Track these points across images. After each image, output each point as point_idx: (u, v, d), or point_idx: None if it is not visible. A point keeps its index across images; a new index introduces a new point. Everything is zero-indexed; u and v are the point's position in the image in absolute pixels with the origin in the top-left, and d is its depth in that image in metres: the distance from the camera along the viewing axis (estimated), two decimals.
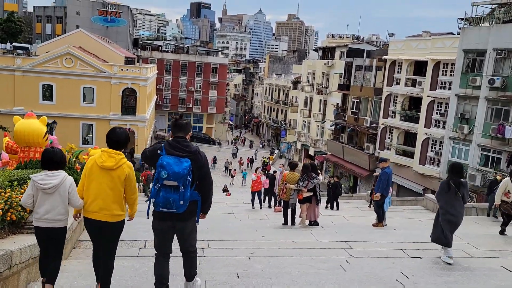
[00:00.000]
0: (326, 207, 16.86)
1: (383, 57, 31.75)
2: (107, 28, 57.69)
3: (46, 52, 34.60)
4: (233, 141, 64.47)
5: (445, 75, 26.87)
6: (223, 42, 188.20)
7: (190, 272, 4.63)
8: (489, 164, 22.86)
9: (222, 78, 64.88)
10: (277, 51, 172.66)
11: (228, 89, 76.98)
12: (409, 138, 30.10)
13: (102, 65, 34.74)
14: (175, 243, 4.57)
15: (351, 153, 34.90)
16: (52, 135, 18.98)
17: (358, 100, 35.20)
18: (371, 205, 14.54)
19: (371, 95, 33.35)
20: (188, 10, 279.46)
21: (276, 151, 57.08)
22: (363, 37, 71.79)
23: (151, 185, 22.09)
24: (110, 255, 4.47)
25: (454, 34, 29.78)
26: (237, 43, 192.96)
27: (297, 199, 10.08)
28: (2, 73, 32.45)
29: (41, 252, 4.48)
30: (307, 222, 10.38)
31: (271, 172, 19.78)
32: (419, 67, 29.29)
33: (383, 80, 31.84)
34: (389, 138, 31.33)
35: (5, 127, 25.11)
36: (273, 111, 66.53)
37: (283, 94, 62.32)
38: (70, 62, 33.51)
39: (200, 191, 4.36)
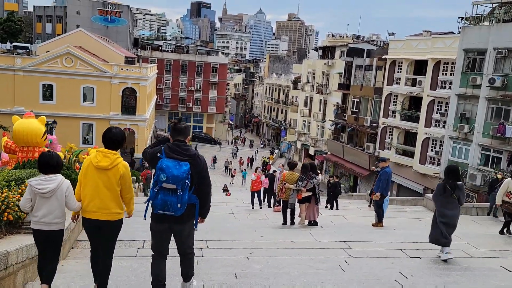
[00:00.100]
0: (326, 206, 16.82)
1: (383, 57, 31.71)
2: (107, 28, 57.67)
3: (46, 52, 34.59)
4: (233, 140, 64.44)
5: (446, 74, 26.83)
6: (223, 42, 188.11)
7: (187, 273, 4.65)
8: (490, 164, 22.82)
9: (222, 78, 64.85)
10: (277, 50, 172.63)
11: (228, 89, 76.94)
12: (409, 137, 30.06)
13: (102, 65, 34.73)
14: (172, 244, 4.58)
15: (351, 153, 34.87)
16: (52, 134, 18.98)
17: (358, 100, 35.17)
18: (371, 205, 14.50)
19: (371, 95, 33.31)
20: (188, 10, 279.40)
21: (276, 151, 57.06)
22: (363, 37, 71.70)
23: (151, 184, 22.16)
24: (109, 253, 4.51)
25: (454, 34, 29.72)
26: (237, 42, 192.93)
27: (296, 199, 10.05)
28: (2, 73, 32.44)
29: (39, 255, 4.51)
30: (306, 222, 10.35)
31: (271, 171, 19.77)
32: (419, 67, 29.24)
33: (383, 80, 31.80)
34: (389, 137, 31.29)
35: (5, 127, 25.11)
36: (273, 110, 66.51)
37: (283, 94, 62.29)
38: (70, 61, 33.50)
39: (198, 195, 4.38)
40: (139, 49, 61.89)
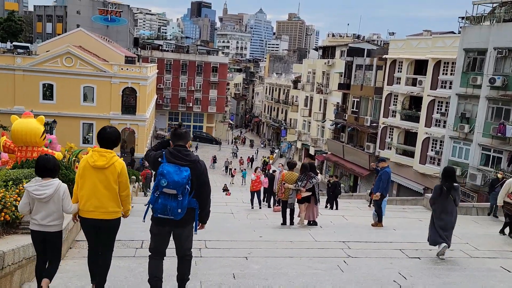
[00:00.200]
0: (326, 206, 16.81)
1: (384, 56, 31.67)
2: (108, 28, 57.65)
3: (46, 51, 34.58)
4: (233, 140, 64.43)
5: (446, 74, 26.79)
6: (223, 42, 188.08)
7: (183, 276, 4.64)
8: (490, 164, 22.78)
9: (222, 78, 64.82)
10: (277, 50, 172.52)
11: (229, 89, 76.91)
12: (410, 137, 30.02)
13: (102, 65, 34.72)
14: (170, 244, 4.60)
15: (352, 153, 34.84)
16: (52, 134, 18.99)
17: (358, 100, 35.13)
18: (371, 205, 14.48)
19: (372, 95, 33.27)
20: (188, 10, 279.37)
21: (276, 151, 57.03)
22: (364, 37, 71.65)
23: (151, 184, 22.07)
24: (108, 252, 4.56)
25: (454, 33, 29.68)
26: (237, 42, 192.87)
27: (296, 199, 10.03)
28: (2, 72, 32.44)
29: (37, 256, 4.53)
30: (305, 222, 10.33)
31: (270, 171, 19.76)
32: (420, 66, 29.20)
33: (384, 79, 31.76)
34: (389, 137, 31.26)
35: (5, 126, 25.10)
36: (274, 110, 66.48)
37: (284, 94, 62.26)
38: (70, 61, 33.49)
39: (198, 199, 4.41)
40: (139, 49, 61.90)
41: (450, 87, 25.88)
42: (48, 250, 4.45)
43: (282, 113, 62.82)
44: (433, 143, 27.65)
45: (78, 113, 33.84)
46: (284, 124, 59.16)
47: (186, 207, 4.20)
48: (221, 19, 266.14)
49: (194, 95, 63.02)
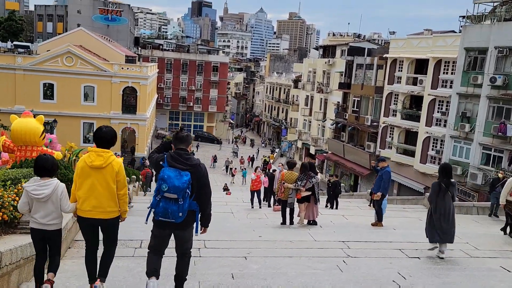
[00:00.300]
0: (326, 206, 16.79)
1: (384, 56, 31.62)
2: (108, 27, 57.59)
3: (47, 51, 34.60)
4: (234, 140, 64.42)
5: (446, 73, 26.75)
6: (224, 41, 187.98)
7: (181, 274, 4.66)
8: (491, 163, 22.74)
9: (223, 77, 64.79)
10: (278, 49, 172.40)
11: (229, 88, 76.90)
12: (410, 136, 29.99)
13: (102, 64, 34.72)
14: (170, 244, 4.67)
15: (352, 152, 34.81)
16: (52, 133, 18.99)
17: (359, 99, 35.08)
18: (371, 204, 14.45)
19: (372, 94, 33.23)
20: (189, 9, 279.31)
21: (277, 150, 57.01)
22: (364, 36, 71.52)
23: (151, 183, 22.04)
24: (112, 246, 4.66)
25: (455, 32, 29.62)
26: (238, 41, 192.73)
27: (296, 199, 10.01)
28: (3, 72, 32.48)
29: (37, 256, 4.56)
30: (305, 221, 10.31)
31: (271, 171, 19.74)
32: (420, 66, 29.16)
33: (384, 79, 31.71)
34: (390, 136, 31.22)
35: (6, 126, 25.13)
36: (274, 109, 66.44)
37: (284, 93, 62.22)
38: (71, 60, 33.50)
39: (198, 202, 4.47)
40: (139, 48, 61.87)
41: (450, 86, 25.83)
42: (50, 247, 4.53)
43: (282, 112, 62.79)
44: (433, 143, 27.61)
45: (79, 113, 33.87)
46: (285, 124, 59.13)
47: (186, 210, 4.28)
48: (221, 19, 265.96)
49: (194, 94, 63.01)
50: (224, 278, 5.50)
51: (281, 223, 10.36)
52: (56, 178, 4.54)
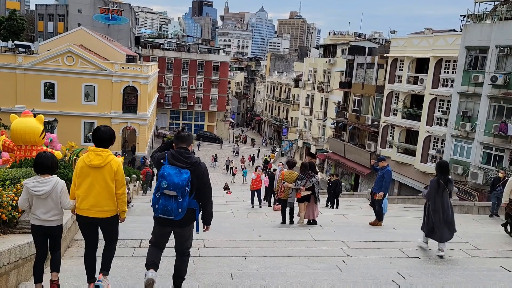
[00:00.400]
0: (327, 205, 16.77)
1: (385, 55, 31.56)
2: (109, 26, 57.60)
3: (48, 50, 34.62)
4: (234, 139, 64.41)
5: (447, 72, 26.70)
6: (224, 40, 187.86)
7: (180, 273, 4.69)
8: (492, 162, 22.70)
9: (223, 76, 64.77)
10: (279, 49, 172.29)
11: (230, 87, 76.87)
12: (411, 136, 29.94)
13: (103, 63, 34.73)
14: (170, 244, 4.72)
15: (353, 151, 34.77)
16: (53, 133, 18.98)
17: (359, 98, 35.04)
18: (371, 204, 14.40)
19: (373, 93, 33.18)
20: (190, 8, 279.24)
21: (278, 149, 56.99)
22: (365, 35, 71.41)
23: (152, 183, 22.03)
24: (113, 241, 4.74)
25: (456, 31, 29.56)
26: (239, 41, 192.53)
27: (296, 198, 9.99)
28: (3, 71, 32.51)
29: (37, 253, 4.57)
30: (305, 221, 10.30)
31: (271, 170, 19.73)
32: (421, 65, 29.11)
33: (385, 78, 31.66)
34: (390, 136, 31.18)
35: (6, 125, 25.13)
36: (275, 109, 66.42)
37: (285, 92, 62.19)
38: (72, 60, 33.52)
39: (199, 200, 4.55)
40: (140, 48, 61.87)
41: (451, 86, 25.78)
42: (50, 243, 4.59)
43: (283, 111, 62.76)
44: (434, 142, 27.56)
45: (79, 112, 33.91)
46: (285, 123, 59.10)
47: (186, 208, 4.34)
48: (222, 18, 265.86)
49: (195, 93, 63.01)
50: (223, 278, 5.49)
51: (281, 223, 10.34)
52: (56, 175, 4.58)
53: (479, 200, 20.72)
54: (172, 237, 4.72)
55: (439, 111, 27.11)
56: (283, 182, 10.02)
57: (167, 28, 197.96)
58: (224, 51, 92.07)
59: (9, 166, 9.12)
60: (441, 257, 7.01)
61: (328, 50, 45.00)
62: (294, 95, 54.92)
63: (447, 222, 7.09)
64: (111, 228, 4.67)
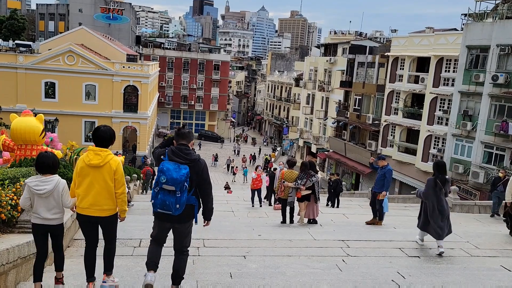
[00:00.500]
0: (327, 204, 16.76)
1: (386, 54, 31.52)
2: (110, 26, 57.63)
3: (49, 50, 34.64)
4: (235, 138, 64.40)
5: (448, 71, 26.64)
6: (225, 39, 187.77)
7: (178, 272, 4.70)
8: (493, 161, 22.66)
9: (224, 75, 64.74)
10: (279, 48, 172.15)
11: (231, 86, 76.81)
12: (412, 135, 29.89)
13: (104, 63, 34.74)
14: (168, 243, 4.74)
15: (353, 151, 34.75)
16: (54, 132, 18.99)
17: (360, 97, 34.99)
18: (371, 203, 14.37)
19: (374, 92, 33.14)
20: (190, 7, 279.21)
21: (278, 149, 56.99)
22: (366, 34, 71.26)
23: (153, 182, 22.05)
24: (112, 240, 4.78)
25: (457, 30, 29.50)
26: (239, 40, 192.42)
27: (296, 197, 9.98)
28: (4, 71, 32.53)
29: (37, 253, 4.58)
30: (305, 220, 10.29)
31: (272, 169, 19.71)
32: (422, 64, 29.05)
33: (386, 77, 31.61)
34: (391, 135, 31.14)
35: (7, 125, 25.14)
36: (276, 108, 66.39)
37: (286, 91, 62.15)
38: (72, 59, 33.53)
39: (199, 196, 4.61)
40: (141, 47, 61.86)
41: (452, 85, 25.73)
42: (52, 243, 4.63)
43: (284, 111, 62.73)
44: (435, 141, 27.52)
45: (80, 111, 33.92)
46: (286, 122, 59.07)
47: (184, 204, 4.37)
48: (223, 17, 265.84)
49: (196, 93, 63.01)
50: (222, 278, 5.48)
51: (281, 222, 10.34)
52: (57, 175, 4.62)
53: (480, 200, 20.67)
54: (171, 236, 4.74)
55: (440, 110, 27.06)
56: (283, 182, 10.01)
57: (168, 27, 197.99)
58: (225, 50, 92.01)
59: (9, 165, 9.13)
60: (440, 255, 7.02)
61: (329, 49, 44.96)
62: (294, 94, 54.88)
63: (444, 221, 7.17)
64: (110, 227, 4.70)
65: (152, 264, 4.59)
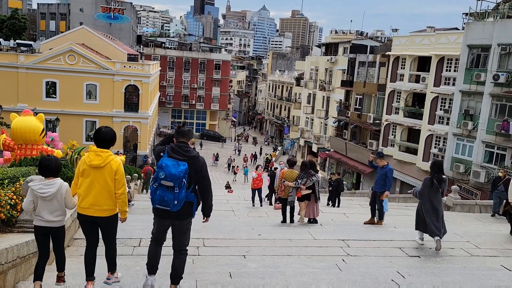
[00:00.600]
0: (328, 204, 16.75)
1: (387, 53, 31.47)
2: (111, 25, 57.66)
3: (49, 49, 34.65)
4: (236, 138, 64.39)
5: (449, 71, 26.59)
6: (226, 39, 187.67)
7: (177, 271, 4.71)
8: (494, 161, 22.62)
9: (225, 75, 64.73)
10: (281, 47, 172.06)
11: (231, 86, 76.79)
12: (413, 134, 29.85)
13: (105, 62, 34.75)
14: (167, 242, 4.76)
15: (354, 150, 34.72)
16: (55, 132, 19.01)
17: (361, 97, 34.96)
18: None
19: (375, 92, 33.10)
20: (191, 7, 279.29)
21: (279, 148, 56.98)
22: (367, 33, 71.17)
23: (151, 180, 22.14)
24: (112, 241, 4.83)
25: (458, 30, 29.43)
26: (240, 39, 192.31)
27: (296, 197, 9.97)
28: (5, 70, 32.56)
29: (39, 254, 4.62)
30: (306, 220, 10.28)
31: (273, 168, 19.70)
32: (423, 63, 29.00)
33: (387, 76, 31.57)
34: (392, 134, 31.10)
35: (8, 124, 25.17)
36: (276, 107, 66.37)
37: (286, 91, 62.12)
38: (73, 59, 33.54)
39: (198, 193, 4.67)
40: (142, 46, 61.88)
41: (453, 84, 25.68)
42: (54, 245, 4.68)
43: (285, 110, 62.71)
44: (436, 140, 27.48)
45: (81, 111, 33.94)
46: (287, 122, 59.05)
47: (183, 200, 4.42)
48: (224, 16, 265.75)
49: (197, 92, 63.01)
50: (222, 277, 5.47)
51: (282, 222, 10.33)
52: (59, 178, 4.70)
53: (481, 199, 20.64)
54: (170, 236, 4.75)
55: (441, 109, 27.01)
56: (284, 181, 10.00)
57: (169, 26, 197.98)
58: (226, 50, 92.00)
59: (9, 165, 9.14)
60: (438, 249, 7.10)
61: (330, 49, 44.90)
62: (295, 93, 54.85)
63: (439, 221, 7.23)
64: (110, 227, 4.74)
65: (153, 268, 4.70)
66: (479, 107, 23.54)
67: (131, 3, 64.03)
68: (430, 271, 6.27)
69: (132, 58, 40.48)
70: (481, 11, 24.97)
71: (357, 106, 35.32)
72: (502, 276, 6.19)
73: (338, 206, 16.26)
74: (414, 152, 29.10)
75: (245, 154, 48.36)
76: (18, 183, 5.92)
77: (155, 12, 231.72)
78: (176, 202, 4.37)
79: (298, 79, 54.17)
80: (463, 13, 26.51)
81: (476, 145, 23.45)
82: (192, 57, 62.83)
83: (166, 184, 4.35)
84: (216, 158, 46.42)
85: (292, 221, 10.32)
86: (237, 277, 5.50)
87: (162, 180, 4.35)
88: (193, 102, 62.83)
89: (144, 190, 21.91)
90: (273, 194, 15.26)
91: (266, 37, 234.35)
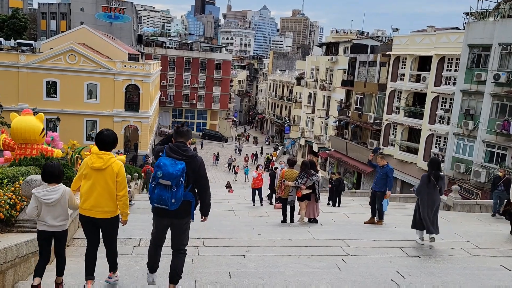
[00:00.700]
0: (328, 203, 16.74)
1: (387, 53, 31.44)
2: (111, 25, 57.65)
3: (50, 49, 34.67)
4: (237, 137, 64.38)
5: (450, 70, 26.56)
6: (227, 38, 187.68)
7: (176, 271, 4.71)
8: (494, 161, 22.59)
9: (226, 74, 64.73)
10: (281, 47, 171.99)
11: (232, 86, 76.81)
12: (413, 134, 29.82)
13: (105, 62, 34.76)
14: (167, 242, 4.78)
15: (355, 150, 34.70)
16: (55, 131, 19.03)
17: (362, 96, 34.93)
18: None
19: (375, 91, 33.07)
20: (192, 7, 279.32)
21: (280, 148, 56.97)
22: (368, 33, 71.11)
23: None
24: (112, 243, 4.88)
25: (459, 29, 29.38)
26: (241, 39, 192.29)
27: (296, 197, 9.96)
28: (6, 70, 32.59)
29: (40, 256, 4.66)
30: (306, 219, 10.27)
31: (273, 168, 19.69)
32: (424, 63, 28.96)
33: (387, 76, 31.54)
34: (393, 134, 31.08)
35: (9, 124, 25.17)
36: (277, 107, 66.35)
37: (287, 90, 62.10)
38: (74, 58, 33.56)
39: (196, 192, 4.71)
40: (142, 46, 61.88)
41: (454, 84, 25.65)
42: (56, 247, 4.73)
43: (285, 110, 62.69)
44: (437, 140, 27.46)
45: (82, 110, 33.96)
46: (288, 121, 59.03)
47: (181, 199, 4.45)
48: (225, 16, 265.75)
49: (197, 92, 63.02)
50: (221, 277, 5.47)
51: (282, 221, 10.32)
52: (62, 184, 4.76)
53: (482, 199, 20.61)
54: (169, 235, 4.76)
55: (441, 109, 26.98)
56: (284, 181, 9.99)
57: (169, 26, 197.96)
58: (226, 49, 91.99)
59: (9, 164, 9.14)
60: (431, 243, 7.23)
61: (331, 48, 44.87)
62: (296, 93, 54.83)
63: (434, 217, 7.32)
64: (111, 228, 4.80)
65: (154, 268, 4.78)
66: (479, 106, 23.51)
67: (132, 2, 64.03)
68: (430, 271, 6.26)
69: (132, 57, 40.48)
70: (481, 10, 24.93)
71: (357, 106, 35.29)
72: (502, 276, 6.18)
73: (339, 205, 16.25)
74: (414, 151, 29.08)
75: (246, 154, 48.34)
76: (17, 182, 5.92)
77: (155, 11, 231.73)
78: (173, 200, 4.39)
79: (299, 79, 54.15)
80: (463, 13, 26.48)
81: (476, 145, 23.42)
82: (192, 56, 62.84)
83: (164, 182, 4.39)
84: (217, 157, 46.42)
85: (292, 220, 10.31)
86: (237, 277, 5.50)
87: (160, 178, 4.40)
88: (194, 101, 62.84)
89: (144, 190, 21.91)
90: (273, 194, 15.28)
91: (266, 37, 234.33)
